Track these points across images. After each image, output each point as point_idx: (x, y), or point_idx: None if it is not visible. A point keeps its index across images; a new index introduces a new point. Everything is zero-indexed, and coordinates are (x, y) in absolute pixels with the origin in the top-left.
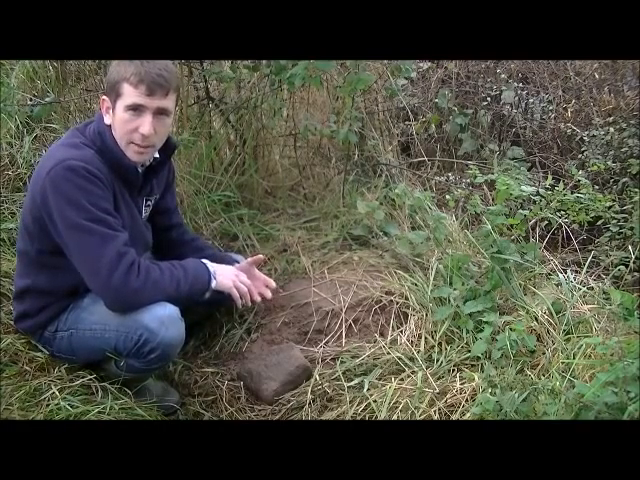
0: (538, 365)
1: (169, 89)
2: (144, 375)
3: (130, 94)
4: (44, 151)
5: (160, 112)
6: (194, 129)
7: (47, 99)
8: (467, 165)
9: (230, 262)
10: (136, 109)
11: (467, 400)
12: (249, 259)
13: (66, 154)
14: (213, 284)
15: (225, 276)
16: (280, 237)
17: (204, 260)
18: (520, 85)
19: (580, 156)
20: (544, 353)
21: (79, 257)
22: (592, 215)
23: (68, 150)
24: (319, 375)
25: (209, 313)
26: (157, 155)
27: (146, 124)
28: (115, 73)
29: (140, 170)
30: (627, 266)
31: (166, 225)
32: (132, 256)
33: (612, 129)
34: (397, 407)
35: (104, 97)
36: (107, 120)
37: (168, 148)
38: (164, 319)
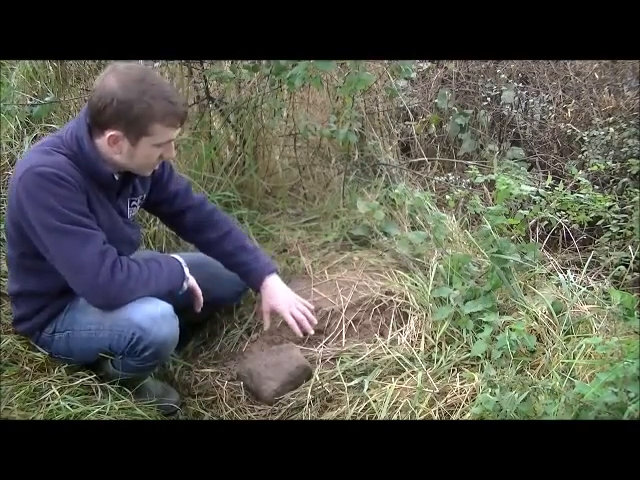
0: (538, 365)
1: None
2: (141, 374)
3: (164, 133)
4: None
5: None
6: (194, 129)
7: (47, 99)
8: (467, 165)
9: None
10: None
11: (467, 400)
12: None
13: (36, 160)
14: (186, 271)
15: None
16: (280, 237)
17: (174, 255)
18: (520, 85)
19: (580, 156)
20: (544, 353)
21: (61, 259)
22: (592, 215)
23: (39, 156)
24: (319, 375)
25: (210, 314)
26: None
27: (173, 150)
28: (139, 110)
29: (117, 177)
30: (627, 266)
31: (178, 210)
32: (113, 254)
33: (612, 129)
34: (397, 407)
35: (116, 134)
36: (114, 152)
37: None
38: (156, 317)
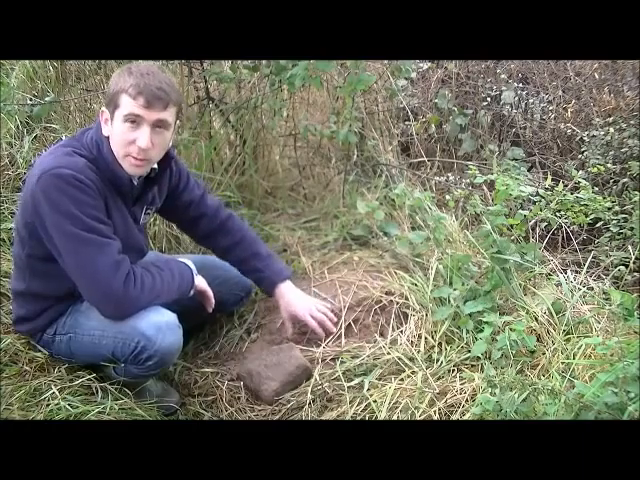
0: (538, 365)
1: (168, 102)
2: (143, 380)
3: (128, 105)
4: (44, 151)
5: (158, 125)
6: (194, 129)
7: (47, 99)
8: (467, 165)
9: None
10: (134, 120)
11: (467, 400)
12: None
13: (55, 162)
14: (196, 279)
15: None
16: (280, 237)
17: (183, 260)
18: (520, 85)
19: (580, 156)
20: (544, 353)
21: (74, 266)
22: (592, 217)
23: (58, 158)
24: (319, 375)
25: (212, 317)
26: (156, 166)
27: (144, 137)
28: (114, 85)
29: (136, 182)
30: (627, 266)
31: (191, 217)
32: (128, 265)
33: (612, 129)
34: (397, 407)
35: (103, 109)
36: (106, 132)
37: (165, 158)
38: (161, 326)
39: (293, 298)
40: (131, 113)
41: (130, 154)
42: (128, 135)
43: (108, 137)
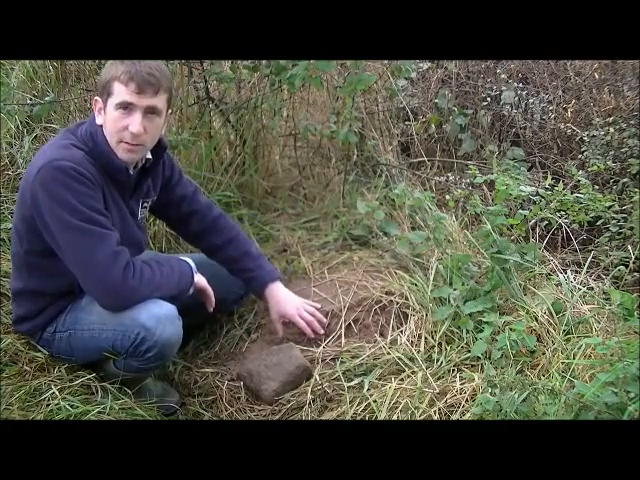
0: (538, 365)
1: (159, 88)
2: (143, 374)
3: (120, 92)
4: None
5: (150, 111)
6: (194, 129)
7: (47, 99)
8: (467, 165)
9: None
10: (126, 107)
11: (467, 400)
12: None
13: (54, 154)
14: (195, 277)
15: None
16: (280, 237)
17: (184, 257)
18: (520, 85)
19: (580, 156)
20: (544, 353)
21: (73, 257)
22: (592, 215)
23: (57, 150)
24: (319, 375)
25: (212, 316)
26: (150, 156)
27: (135, 122)
28: (107, 73)
29: (132, 172)
30: (627, 266)
31: (184, 213)
32: (127, 256)
33: (612, 129)
34: (397, 407)
35: (96, 98)
36: (99, 120)
37: (159, 149)
38: (161, 317)
39: (283, 298)
40: (123, 100)
41: (123, 140)
42: (120, 122)
43: (101, 126)
